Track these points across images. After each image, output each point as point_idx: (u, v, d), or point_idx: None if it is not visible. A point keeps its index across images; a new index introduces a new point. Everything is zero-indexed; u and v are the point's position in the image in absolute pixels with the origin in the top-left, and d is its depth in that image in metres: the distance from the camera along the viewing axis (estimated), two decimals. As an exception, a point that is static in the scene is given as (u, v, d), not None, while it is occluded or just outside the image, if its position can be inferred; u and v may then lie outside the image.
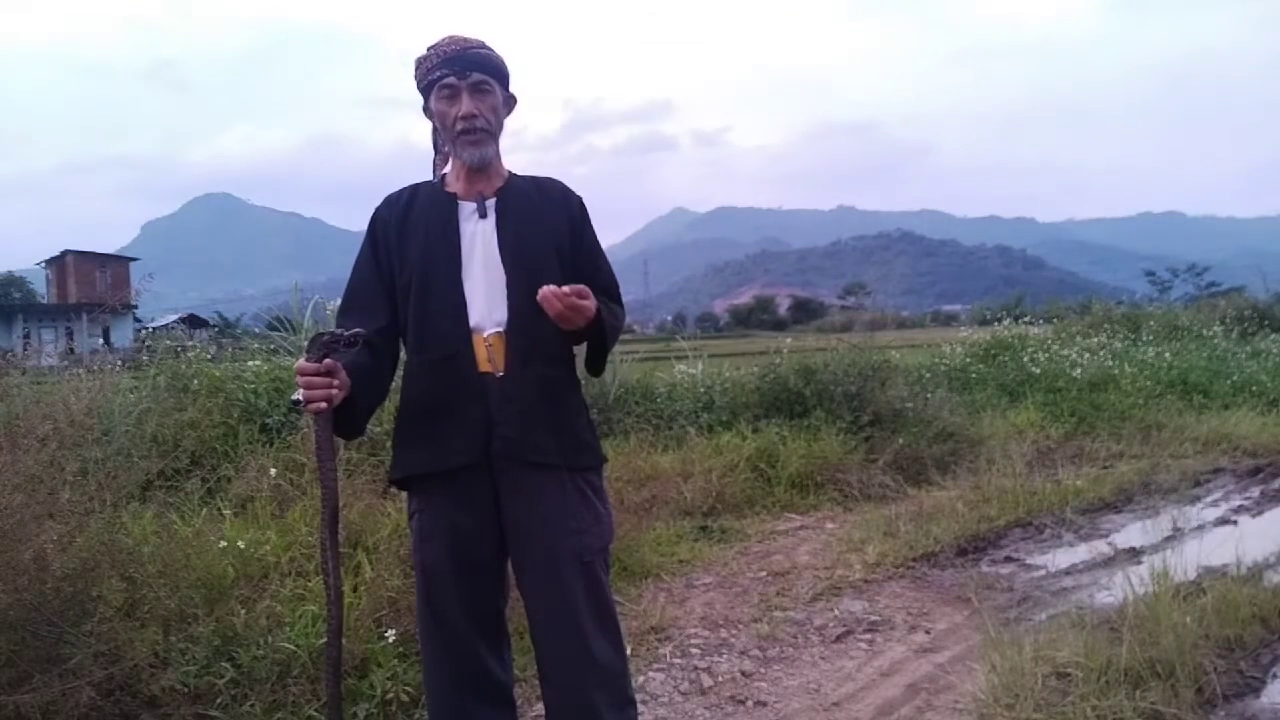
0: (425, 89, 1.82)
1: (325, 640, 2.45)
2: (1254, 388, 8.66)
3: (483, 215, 1.81)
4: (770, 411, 6.28)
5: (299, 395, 1.58)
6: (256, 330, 8.40)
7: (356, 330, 1.61)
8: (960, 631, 3.18)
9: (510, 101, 1.89)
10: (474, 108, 1.77)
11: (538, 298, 1.62)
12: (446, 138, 1.83)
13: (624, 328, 1.98)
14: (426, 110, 1.86)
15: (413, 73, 1.84)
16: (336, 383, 1.59)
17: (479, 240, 1.79)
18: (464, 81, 1.76)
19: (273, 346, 5.66)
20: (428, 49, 1.80)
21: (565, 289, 1.61)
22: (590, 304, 1.66)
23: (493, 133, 1.81)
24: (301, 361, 1.60)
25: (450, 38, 1.80)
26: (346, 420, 1.69)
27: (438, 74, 1.77)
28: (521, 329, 1.75)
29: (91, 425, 3.39)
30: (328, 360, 1.58)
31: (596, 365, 1.90)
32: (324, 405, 1.58)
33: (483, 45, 1.80)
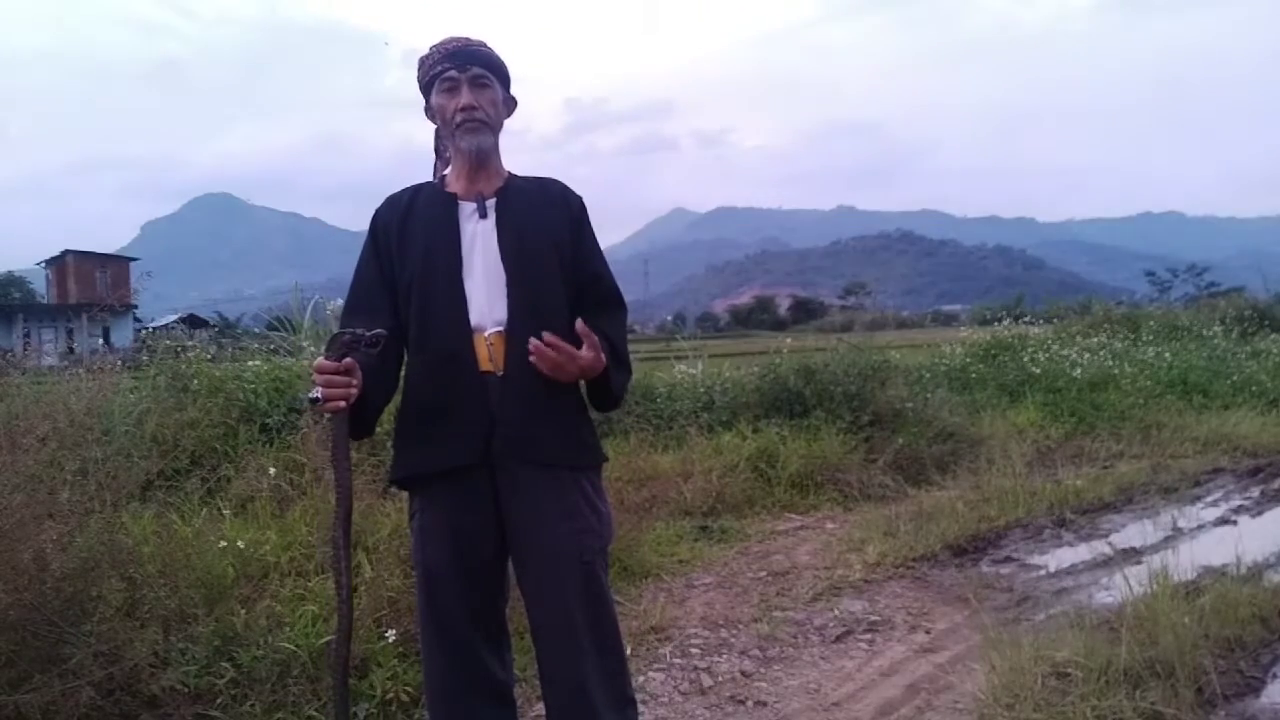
0: (427, 85, 1.84)
1: (326, 640, 2.46)
2: (1254, 388, 8.66)
3: (483, 215, 1.82)
4: (770, 411, 6.28)
5: (317, 393, 1.59)
6: (256, 330, 8.40)
7: (379, 331, 1.62)
8: (960, 631, 3.18)
9: (510, 103, 1.90)
10: (473, 99, 1.78)
11: (529, 349, 1.65)
12: (446, 132, 1.84)
13: (625, 324, 1.98)
14: (428, 111, 1.87)
15: (415, 72, 1.86)
16: (355, 382, 1.61)
17: (479, 240, 1.80)
18: (464, 74, 1.79)
19: (273, 346, 5.66)
20: (430, 47, 1.82)
21: (557, 341, 1.64)
22: (597, 356, 1.69)
23: (491, 125, 1.82)
24: (321, 360, 1.61)
25: (452, 37, 1.83)
26: (359, 420, 1.71)
27: (439, 68, 1.79)
28: (522, 328, 1.75)
29: (91, 425, 3.39)
30: (347, 359, 1.59)
31: (602, 404, 1.89)
32: (342, 404, 1.60)
33: (483, 44, 1.83)
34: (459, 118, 1.78)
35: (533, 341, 1.65)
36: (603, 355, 1.72)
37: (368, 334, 1.59)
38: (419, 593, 1.86)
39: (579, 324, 1.68)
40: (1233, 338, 11.77)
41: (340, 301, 4.64)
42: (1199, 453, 6.48)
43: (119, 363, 5.14)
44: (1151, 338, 11.60)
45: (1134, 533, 4.39)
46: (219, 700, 2.34)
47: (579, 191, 1.95)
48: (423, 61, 1.83)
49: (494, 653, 1.87)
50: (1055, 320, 14.02)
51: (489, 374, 1.74)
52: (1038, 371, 8.92)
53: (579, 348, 1.70)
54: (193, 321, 28.06)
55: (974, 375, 9.09)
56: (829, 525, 4.81)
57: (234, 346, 6.36)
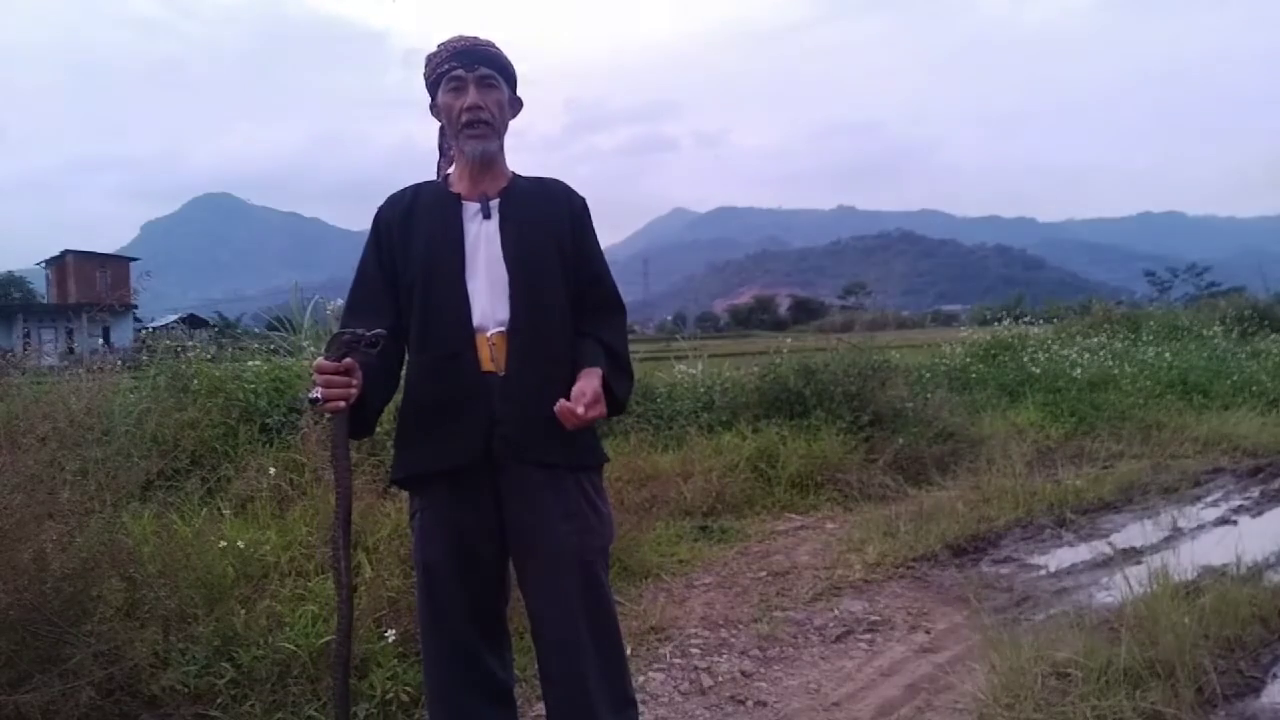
0: (433, 83, 1.84)
1: (327, 640, 2.46)
2: (1254, 388, 8.65)
3: (486, 215, 1.82)
4: (770, 411, 6.28)
5: (317, 393, 1.59)
6: (256, 330, 8.40)
7: (378, 331, 1.62)
8: (960, 631, 3.18)
9: (516, 103, 1.90)
10: (479, 100, 1.79)
11: (555, 410, 1.65)
12: (451, 132, 1.84)
13: (625, 328, 1.99)
14: (434, 109, 1.87)
15: (422, 70, 1.86)
16: (355, 382, 1.61)
17: (482, 240, 1.80)
18: (471, 74, 1.79)
19: (273, 346, 5.66)
20: (438, 46, 1.82)
21: (580, 408, 1.63)
22: (602, 407, 1.70)
23: (496, 128, 1.82)
24: (321, 360, 1.61)
25: (460, 36, 1.83)
26: (359, 419, 1.71)
27: (446, 67, 1.80)
28: (524, 329, 1.76)
29: (91, 425, 3.39)
30: (347, 359, 1.59)
31: (614, 412, 1.89)
32: (342, 404, 1.60)
33: (492, 44, 1.83)
34: (465, 118, 1.79)
35: (559, 408, 1.65)
36: (600, 395, 1.72)
37: (367, 334, 1.59)
38: (419, 592, 1.86)
39: (577, 399, 1.66)
40: (1233, 338, 11.76)
41: (340, 301, 4.63)
42: (1199, 453, 6.47)
43: (119, 363, 5.14)
44: (1151, 338, 11.59)
45: (1134, 533, 4.38)
46: (219, 700, 2.34)
47: (580, 191, 1.95)
48: (430, 59, 1.83)
49: (494, 652, 1.87)
50: (1055, 320, 14.02)
51: (491, 374, 1.74)
52: (1038, 371, 8.92)
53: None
54: (193, 321, 28.03)
55: (974, 375, 9.09)
56: (829, 525, 4.81)
57: (234, 346, 6.36)
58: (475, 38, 1.82)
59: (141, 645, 2.33)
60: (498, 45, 1.83)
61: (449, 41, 1.82)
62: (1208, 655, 2.54)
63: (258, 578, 2.95)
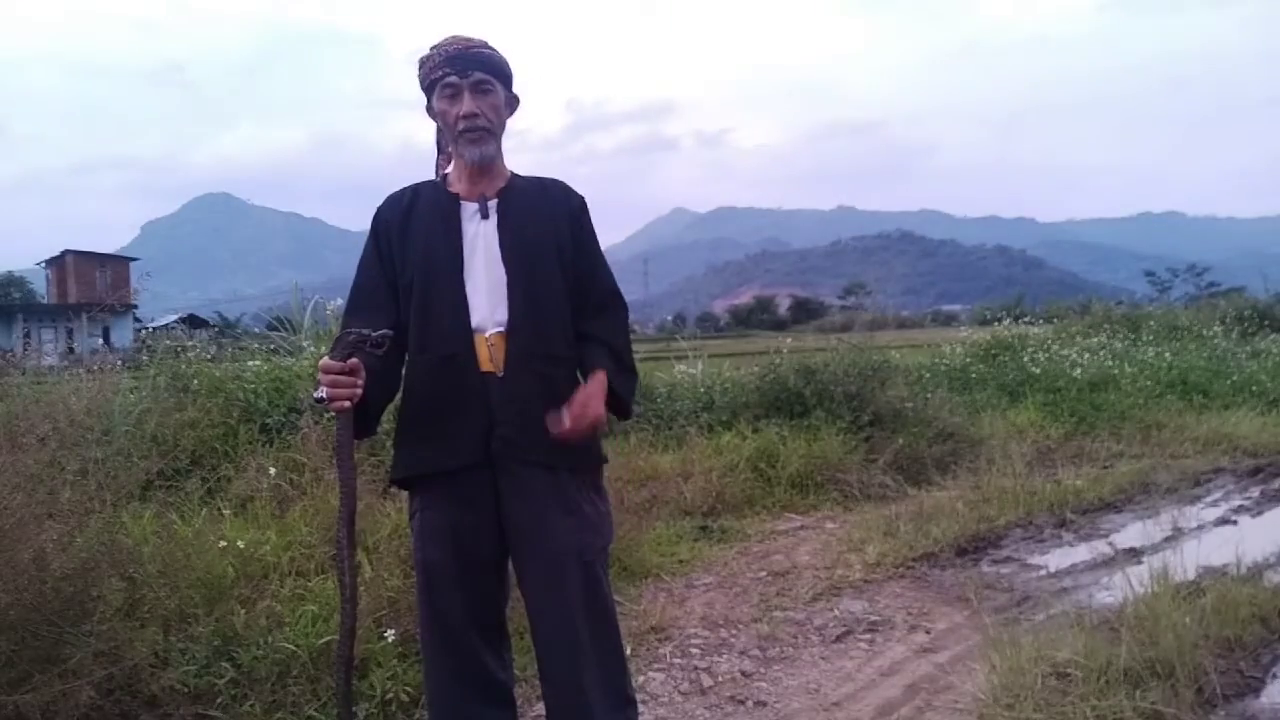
0: (428, 88, 1.83)
1: (327, 640, 2.46)
2: (1254, 388, 8.65)
3: (484, 215, 1.82)
4: (770, 411, 6.27)
5: (322, 393, 1.59)
6: (256, 330, 8.40)
7: (384, 331, 1.62)
8: (960, 631, 3.18)
9: (513, 102, 1.90)
10: (475, 106, 1.77)
11: (554, 432, 1.69)
12: (449, 137, 1.84)
13: (626, 325, 1.99)
14: (430, 110, 1.87)
15: (416, 72, 1.85)
16: (360, 382, 1.61)
17: (481, 240, 1.80)
18: (466, 80, 1.77)
19: (273, 346, 5.66)
20: (431, 48, 1.81)
21: (568, 421, 1.69)
22: (599, 408, 1.72)
23: (494, 131, 1.82)
24: (326, 359, 1.61)
25: (453, 37, 1.81)
26: (362, 420, 1.71)
27: (440, 73, 1.78)
28: (522, 329, 1.76)
29: (91, 425, 3.39)
30: (352, 359, 1.59)
31: (614, 414, 1.90)
32: (347, 404, 1.60)
33: (485, 45, 1.81)
34: (461, 125, 1.78)
35: (557, 426, 1.70)
36: (600, 392, 1.75)
37: (374, 334, 1.60)
38: (419, 593, 1.86)
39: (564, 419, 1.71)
40: (1233, 338, 11.76)
41: (340, 301, 4.62)
42: (1199, 453, 6.47)
43: (119, 363, 5.14)
44: (1151, 338, 11.60)
45: (1134, 533, 4.38)
46: (219, 700, 2.34)
47: (580, 191, 1.95)
48: (423, 63, 1.81)
49: (494, 653, 1.87)
50: (1055, 320, 14.01)
51: (490, 374, 1.75)
52: (1038, 371, 8.92)
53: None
54: (193, 321, 28.01)
55: (974, 375, 9.09)
56: (829, 525, 4.81)
57: (234, 346, 6.36)
58: (468, 40, 1.80)
59: (141, 645, 2.32)
60: (491, 45, 1.81)
61: (442, 44, 1.79)
62: (1208, 655, 2.54)
63: (258, 578, 2.95)
